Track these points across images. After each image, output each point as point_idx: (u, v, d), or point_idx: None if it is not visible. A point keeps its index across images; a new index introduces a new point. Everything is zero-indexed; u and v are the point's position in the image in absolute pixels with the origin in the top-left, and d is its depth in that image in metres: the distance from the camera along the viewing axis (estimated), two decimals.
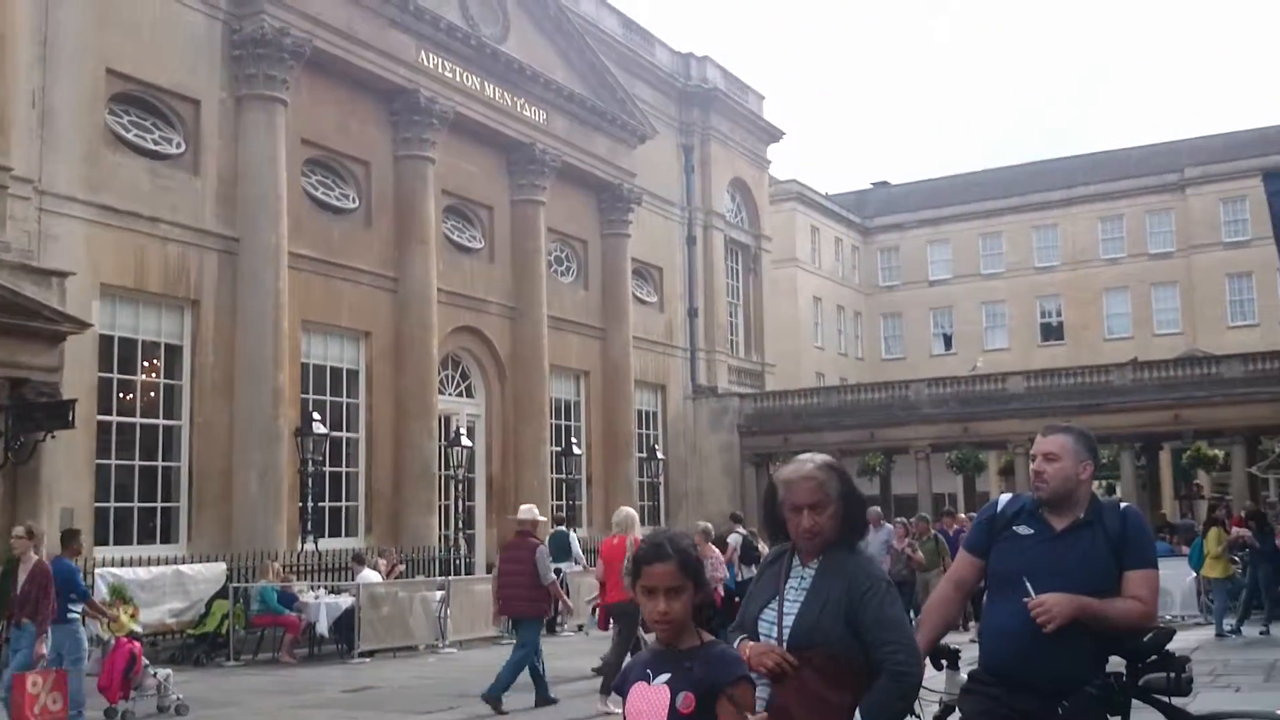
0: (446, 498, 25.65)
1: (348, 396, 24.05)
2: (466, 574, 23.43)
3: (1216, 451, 31.20)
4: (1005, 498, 4.27)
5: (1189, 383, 31.20)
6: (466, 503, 26.11)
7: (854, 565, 3.34)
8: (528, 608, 11.71)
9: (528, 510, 12.45)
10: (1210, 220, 47.44)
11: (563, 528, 22.19)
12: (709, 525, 15.20)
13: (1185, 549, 19.57)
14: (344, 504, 23.59)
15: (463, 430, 25.54)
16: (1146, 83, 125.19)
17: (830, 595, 3.26)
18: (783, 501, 3.39)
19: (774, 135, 41.84)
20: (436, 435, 25.06)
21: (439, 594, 18.43)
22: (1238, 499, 27.79)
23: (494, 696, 11.23)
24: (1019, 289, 51.01)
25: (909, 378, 38.10)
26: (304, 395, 22.37)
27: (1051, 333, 50.47)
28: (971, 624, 10.69)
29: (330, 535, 22.48)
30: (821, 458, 3.47)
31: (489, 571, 22.57)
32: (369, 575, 18.05)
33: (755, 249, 40.55)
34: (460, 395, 27.78)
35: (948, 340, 52.58)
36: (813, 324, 49.42)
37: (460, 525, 25.45)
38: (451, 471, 25.15)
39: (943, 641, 4.21)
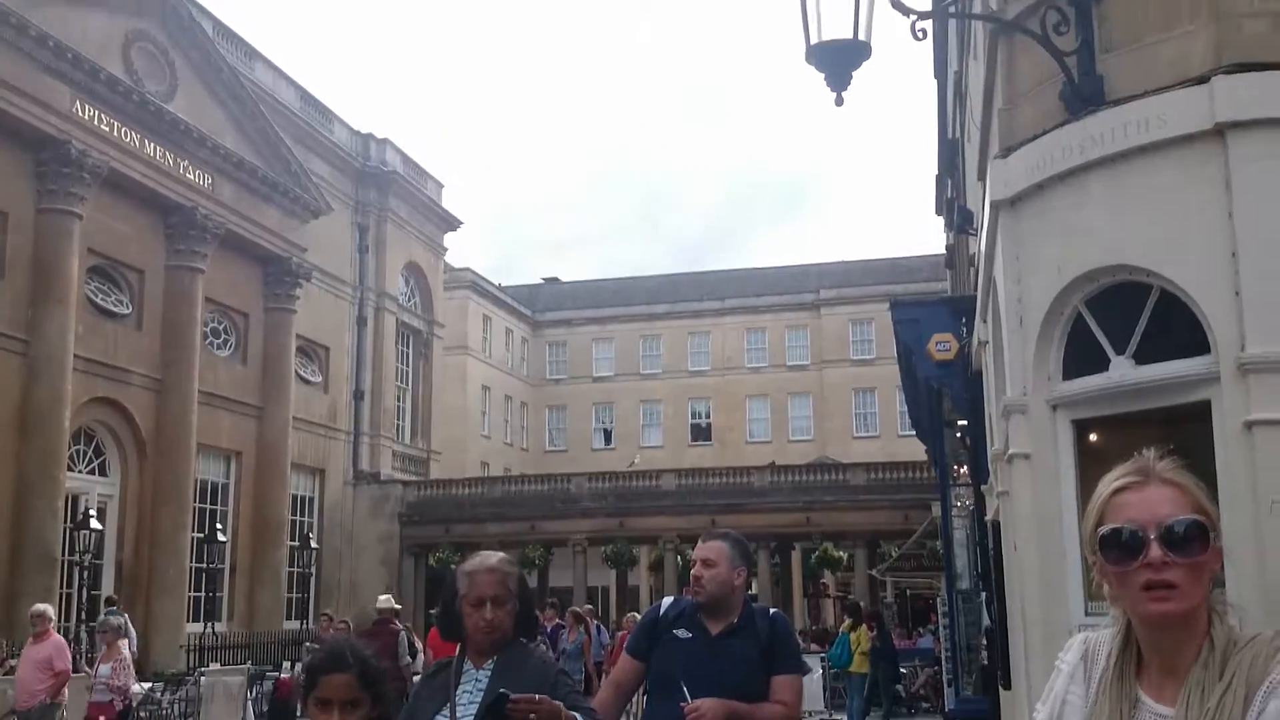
0: (69, 585, 23.29)
1: None
2: (88, 668, 21.24)
3: (841, 553, 33.85)
4: (668, 601, 4.48)
5: (819, 487, 33.86)
6: (92, 591, 23.80)
7: (535, 659, 3.41)
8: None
9: (386, 600, 14.52)
10: (841, 338, 52.16)
11: (115, 608, 19.72)
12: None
13: (815, 646, 21.03)
14: None
15: (92, 511, 23.39)
16: (792, 207, 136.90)
17: (515, 690, 3.28)
18: (464, 596, 3.39)
19: (451, 223, 42.13)
20: (62, 516, 22.82)
21: None
22: (859, 599, 30.18)
23: None
24: (674, 390, 53.61)
25: (571, 470, 38.90)
26: None
27: (701, 433, 53.27)
28: None
29: None
30: (502, 555, 3.53)
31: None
32: None
33: (427, 334, 40.35)
34: (92, 473, 25.52)
35: (608, 435, 54.24)
36: (480, 413, 49.52)
37: (83, 616, 23.13)
38: (76, 557, 22.88)
39: None
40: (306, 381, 33.22)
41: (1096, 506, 1.71)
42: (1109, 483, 1.71)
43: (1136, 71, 5.79)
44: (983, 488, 10.76)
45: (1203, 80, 5.49)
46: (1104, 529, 1.66)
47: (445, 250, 42.50)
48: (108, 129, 24.61)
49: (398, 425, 38.37)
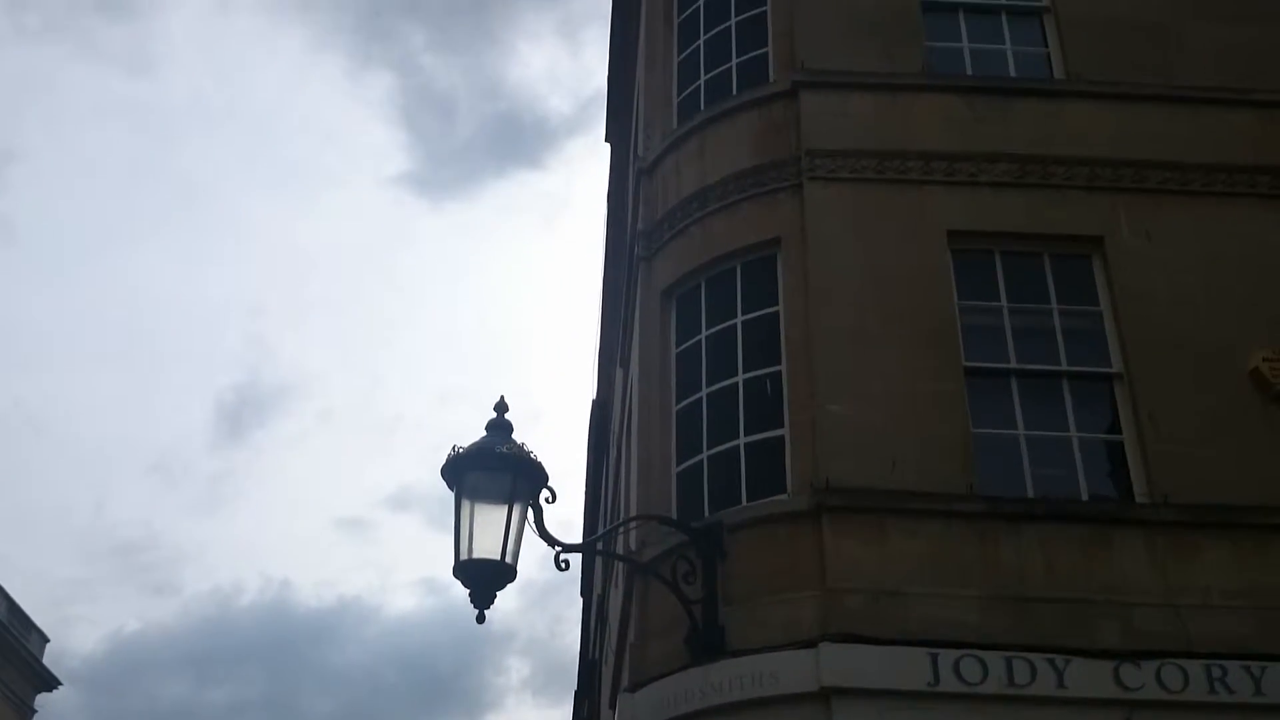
0: None
1: None
2: None
3: None
4: None
5: None
6: None
7: None
8: None
9: None
10: None
11: None
12: None
13: None
14: None
15: None
16: (438, 701, 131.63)
17: None
18: None
19: (49, 683, 37.44)
20: None
21: None
22: None
23: None
24: None
25: None
26: None
27: None
28: None
29: None
30: None
31: None
32: None
33: None
34: None
35: None
36: None
37: None
38: None
39: None
40: None
41: None
42: None
43: (755, 627, 6.23)
44: None
45: (810, 644, 5.96)
46: None
47: (35, 712, 37.30)
48: None
49: None
